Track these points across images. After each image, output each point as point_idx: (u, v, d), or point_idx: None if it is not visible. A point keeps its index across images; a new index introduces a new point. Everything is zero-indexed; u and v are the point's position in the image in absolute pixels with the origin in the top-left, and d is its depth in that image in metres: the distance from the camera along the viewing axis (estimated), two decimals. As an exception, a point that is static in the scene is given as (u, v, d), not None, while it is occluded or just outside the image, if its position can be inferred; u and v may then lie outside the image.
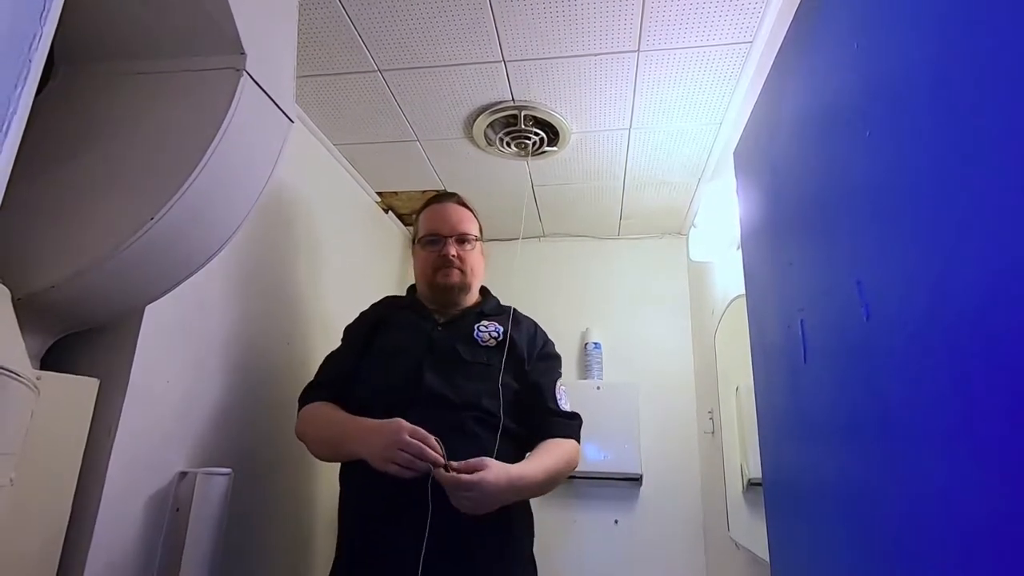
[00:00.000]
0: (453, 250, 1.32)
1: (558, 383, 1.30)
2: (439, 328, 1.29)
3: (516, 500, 1.11)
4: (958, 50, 0.45)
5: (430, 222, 1.37)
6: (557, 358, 1.36)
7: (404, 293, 1.48)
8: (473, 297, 1.38)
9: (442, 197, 1.42)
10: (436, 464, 1.01)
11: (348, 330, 1.38)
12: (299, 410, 1.24)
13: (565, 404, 1.28)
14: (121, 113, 0.97)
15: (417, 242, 1.39)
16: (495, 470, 1.03)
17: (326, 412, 1.19)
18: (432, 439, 1.03)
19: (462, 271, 1.33)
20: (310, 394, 1.25)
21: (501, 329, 1.30)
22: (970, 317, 0.43)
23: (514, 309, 1.39)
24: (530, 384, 1.26)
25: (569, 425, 1.25)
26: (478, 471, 1.01)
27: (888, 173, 0.54)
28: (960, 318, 0.44)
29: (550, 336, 1.39)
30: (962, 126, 0.44)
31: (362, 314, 1.40)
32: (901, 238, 0.52)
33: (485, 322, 1.31)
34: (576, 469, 1.24)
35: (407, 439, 1.01)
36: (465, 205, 1.41)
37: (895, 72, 0.53)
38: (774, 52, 0.90)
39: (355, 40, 1.38)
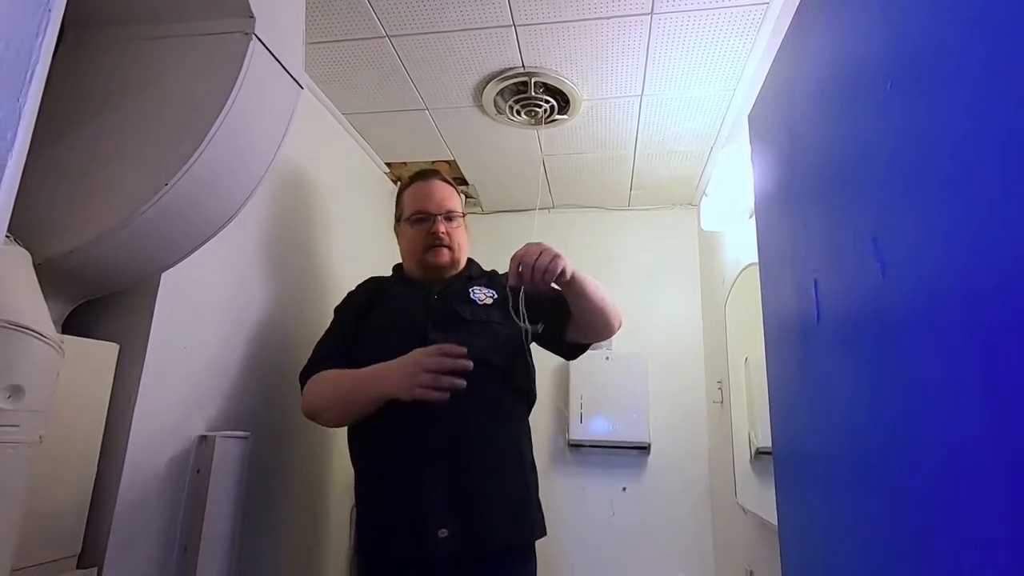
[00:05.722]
0: (442, 228, 1.32)
1: None
2: (435, 296, 1.30)
3: (570, 277, 1.11)
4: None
5: (417, 200, 1.36)
6: None
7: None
8: (459, 269, 1.38)
9: (426, 174, 1.41)
10: (464, 359, 1.04)
11: (339, 309, 1.37)
12: (302, 389, 1.22)
13: None
14: (131, 78, 0.97)
15: (404, 220, 1.37)
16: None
17: (333, 374, 1.19)
18: (451, 346, 1.05)
19: (451, 248, 1.33)
20: (311, 371, 1.23)
21: (494, 291, 1.31)
22: (991, 272, 0.42)
23: (494, 270, 1.40)
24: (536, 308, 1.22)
25: None
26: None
27: (909, 126, 0.53)
28: (980, 274, 0.43)
29: None
30: (993, 76, 0.43)
31: (350, 294, 1.39)
32: (920, 193, 0.51)
33: (476, 286, 1.32)
34: (581, 441, 1.21)
35: (425, 358, 1.04)
36: (448, 182, 1.40)
37: (921, 22, 0.52)
38: (791, 13, 0.88)
39: (363, 4, 1.36)
